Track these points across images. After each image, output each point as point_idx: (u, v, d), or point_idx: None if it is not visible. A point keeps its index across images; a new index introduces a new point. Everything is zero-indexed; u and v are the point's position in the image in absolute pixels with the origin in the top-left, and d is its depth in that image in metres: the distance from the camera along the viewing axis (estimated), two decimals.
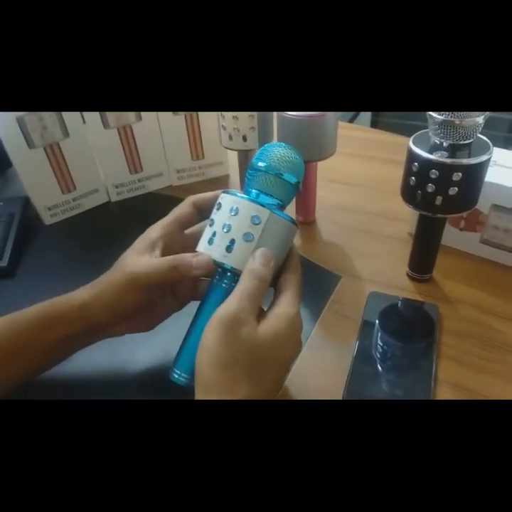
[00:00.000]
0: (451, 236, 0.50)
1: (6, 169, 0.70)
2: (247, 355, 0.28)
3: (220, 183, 0.67)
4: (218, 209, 0.34)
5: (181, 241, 0.37)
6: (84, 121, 0.57)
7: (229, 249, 0.32)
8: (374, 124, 1.26)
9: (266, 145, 0.35)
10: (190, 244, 0.35)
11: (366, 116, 1.27)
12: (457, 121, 0.36)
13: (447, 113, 0.36)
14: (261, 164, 0.33)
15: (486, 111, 0.36)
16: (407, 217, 0.53)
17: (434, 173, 0.38)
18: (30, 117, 0.53)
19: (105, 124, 0.57)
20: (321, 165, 0.53)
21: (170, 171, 0.65)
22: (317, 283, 0.48)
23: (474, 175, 0.38)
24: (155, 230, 0.36)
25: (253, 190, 0.34)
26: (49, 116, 0.54)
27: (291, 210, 0.58)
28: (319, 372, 0.40)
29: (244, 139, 0.52)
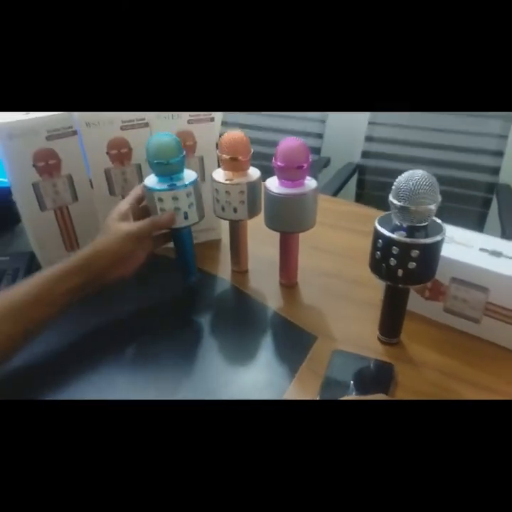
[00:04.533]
0: (418, 304, 0.55)
1: (14, 226, 0.76)
2: None
3: (213, 246, 0.73)
4: (161, 200, 0.54)
5: (139, 211, 0.56)
6: (91, 187, 0.64)
7: (186, 216, 0.56)
8: (359, 196, 1.36)
9: (153, 143, 0.54)
10: (143, 214, 0.56)
11: (351, 189, 1.37)
12: (413, 208, 0.42)
13: (404, 200, 0.42)
14: (163, 161, 0.54)
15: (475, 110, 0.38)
16: (380, 285, 0.59)
17: (395, 250, 0.44)
18: (44, 183, 0.60)
19: (111, 192, 0.64)
20: (305, 233, 0.59)
21: None
22: (295, 342, 0.53)
23: (430, 252, 0.44)
24: (124, 205, 0.55)
25: (163, 177, 0.55)
26: (62, 183, 0.61)
27: (274, 274, 0.63)
28: None
29: (235, 210, 0.59)
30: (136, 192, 0.57)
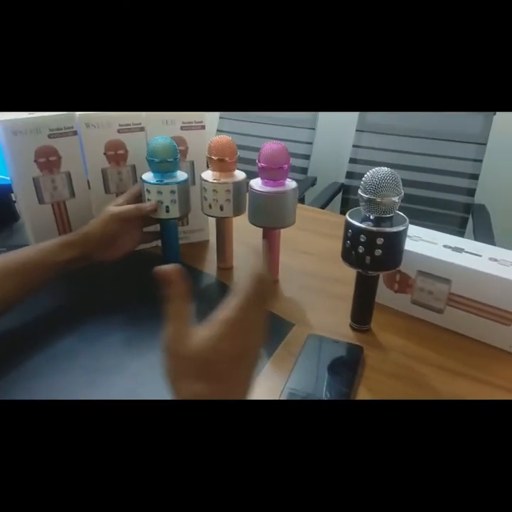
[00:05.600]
0: (388, 297, 0.60)
1: (13, 223, 0.80)
2: (185, 362, 0.33)
3: (201, 246, 0.77)
4: (148, 192, 0.62)
5: (132, 202, 0.63)
6: (88, 185, 0.68)
7: (167, 209, 0.62)
8: (343, 214, 1.42)
9: (152, 143, 0.61)
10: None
11: (336, 207, 1.44)
12: (379, 199, 0.47)
13: (371, 193, 0.47)
14: (155, 159, 0.60)
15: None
16: (353, 280, 0.63)
17: (363, 238, 0.48)
18: (44, 178, 0.64)
19: (107, 190, 0.69)
20: (288, 237, 0.64)
21: None
22: (273, 328, 0.56)
23: (394, 240, 0.49)
24: (121, 197, 0.64)
25: (156, 173, 0.62)
26: (60, 179, 0.65)
27: None
28: (267, 398, 0.46)
29: (221, 208, 0.63)
30: (134, 188, 0.65)
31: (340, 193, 1.45)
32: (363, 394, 0.47)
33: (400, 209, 0.50)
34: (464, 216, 1.32)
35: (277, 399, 0.45)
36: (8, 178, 0.69)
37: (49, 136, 0.62)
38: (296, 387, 0.46)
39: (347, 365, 0.50)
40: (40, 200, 0.65)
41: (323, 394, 0.46)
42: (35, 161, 0.62)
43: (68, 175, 0.66)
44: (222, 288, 0.66)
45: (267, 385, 0.48)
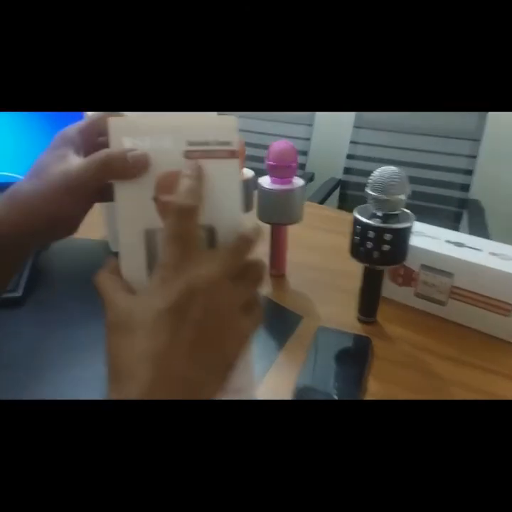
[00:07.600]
0: (393, 290, 0.62)
1: None
2: (113, 315, 0.30)
3: None
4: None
5: (97, 147, 0.32)
6: None
7: None
8: (341, 209, 1.44)
9: None
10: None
11: (334, 202, 1.46)
12: (386, 197, 0.49)
13: (379, 192, 0.49)
14: None
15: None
16: (359, 275, 0.65)
17: (371, 234, 0.51)
18: None
19: None
20: (295, 234, 0.66)
21: None
22: (283, 321, 0.59)
23: (401, 236, 0.51)
24: (72, 130, 0.34)
25: None
26: None
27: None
28: (280, 390, 0.49)
29: None
30: (98, 115, 0.35)
31: (338, 189, 1.47)
32: (373, 383, 0.50)
33: None
34: (458, 211, 1.35)
35: (290, 398, 0.47)
36: (19, 175, 0.70)
37: None
38: (310, 380, 0.48)
39: (357, 356, 0.52)
40: None
41: (336, 385, 0.48)
42: None
43: None
44: None
45: (280, 377, 0.50)
